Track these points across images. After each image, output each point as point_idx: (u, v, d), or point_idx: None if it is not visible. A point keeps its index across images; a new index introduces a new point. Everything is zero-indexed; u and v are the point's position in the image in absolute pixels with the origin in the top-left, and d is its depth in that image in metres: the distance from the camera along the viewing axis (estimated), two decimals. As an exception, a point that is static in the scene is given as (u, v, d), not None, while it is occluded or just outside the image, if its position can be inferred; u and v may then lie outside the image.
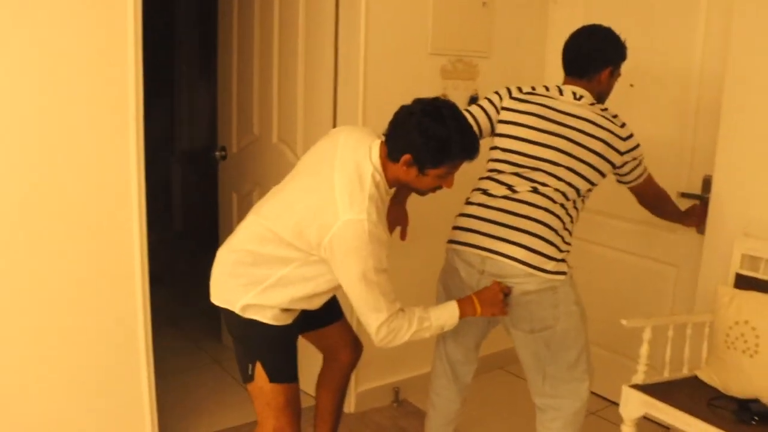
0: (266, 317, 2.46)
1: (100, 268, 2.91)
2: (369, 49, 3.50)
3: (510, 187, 2.73)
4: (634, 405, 2.86)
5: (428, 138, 2.29)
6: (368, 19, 3.46)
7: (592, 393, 2.92)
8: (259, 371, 2.51)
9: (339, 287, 2.46)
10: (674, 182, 3.44)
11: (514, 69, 4.07)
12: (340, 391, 2.98)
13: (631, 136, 2.76)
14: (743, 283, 2.99)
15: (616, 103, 2.96)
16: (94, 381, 2.97)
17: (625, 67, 2.93)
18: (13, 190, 2.67)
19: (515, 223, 2.67)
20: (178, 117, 7.43)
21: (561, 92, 2.80)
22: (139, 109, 2.86)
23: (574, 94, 2.78)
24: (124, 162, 2.88)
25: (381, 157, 2.39)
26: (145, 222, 2.97)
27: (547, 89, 2.83)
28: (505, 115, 2.81)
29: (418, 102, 2.37)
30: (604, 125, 2.71)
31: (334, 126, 3.55)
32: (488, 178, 2.82)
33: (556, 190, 2.69)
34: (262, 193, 2.65)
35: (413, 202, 2.90)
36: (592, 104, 2.77)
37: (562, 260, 2.69)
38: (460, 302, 2.60)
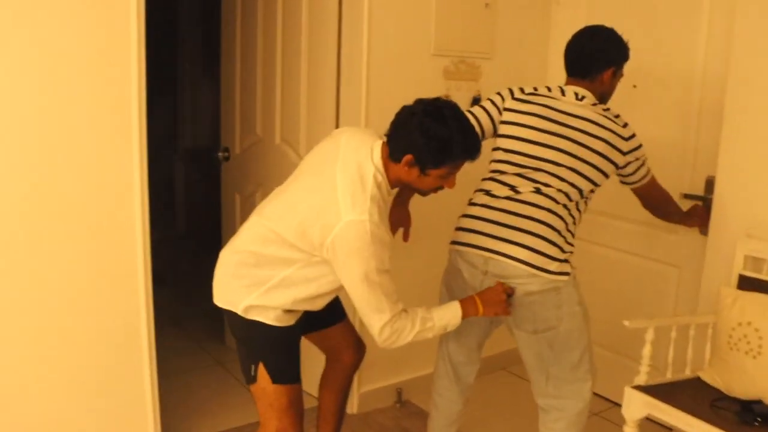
0: (269, 318, 2.46)
1: (103, 267, 2.91)
2: (372, 50, 3.50)
3: (513, 188, 2.73)
4: (636, 406, 2.86)
5: (430, 138, 2.29)
6: (371, 20, 3.47)
7: (595, 394, 2.92)
8: (262, 372, 2.51)
9: (341, 288, 2.46)
10: (677, 183, 3.44)
11: (516, 70, 4.07)
12: (343, 392, 2.98)
13: (633, 136, 2.76)
14: (746, 284, 2.99)
15: (619, 104, 2.96)
16: (96, 381, 2.98)
17: (628, 68, 2.93)
18: (15, 189, 2.67)
19: (518, 223, 2.67)
20: (181, 116, 7.43)
21: (563, 93, 2.80)
22: (141, 108, 2.86)
23: (576, 94, 2.78)
24: (127, 161, 2.88)
25: (383, 157, 2.39)
26: (148, 221, 2.97)
27: (549, 90, 2.83)
28: (508, 116, 2.82)
29: (420, 102, 2.37)
30: (606, 125, 2.71)
31: (337, 127, 3.55)
32: (491, 178, 2.82)
33: (559, 190, 2.69)
34: (265, 194, 2.65)
35: (416, 203, 2.90)
36: (594, 104, 2.77)
37: (566, 261, 2.69)
38: (463, 302, 2.60)
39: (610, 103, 2.87)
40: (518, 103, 2.82)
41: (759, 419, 2.61)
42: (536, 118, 2.76)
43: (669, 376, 3.00)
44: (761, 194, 3.05)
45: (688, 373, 3.02)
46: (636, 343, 3.07)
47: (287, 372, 2.56)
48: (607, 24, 2.86)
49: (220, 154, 4.43)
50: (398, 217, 2.88)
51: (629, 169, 2.80)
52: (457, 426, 3.14)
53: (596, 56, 2.81)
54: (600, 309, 3.36)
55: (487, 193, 2.78)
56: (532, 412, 3.01)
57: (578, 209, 2.76)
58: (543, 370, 2.82)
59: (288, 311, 2.48)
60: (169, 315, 4.77)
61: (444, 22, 3.73)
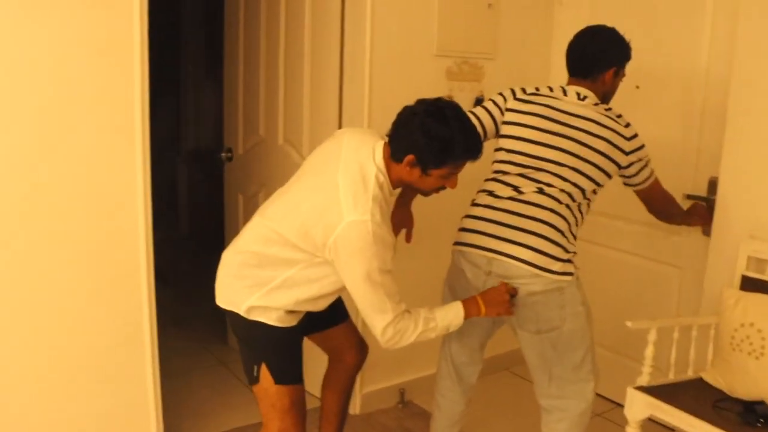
0: (271, 319, 2.46)
1: (106, 267, 2.91)
2: (374, 51, 3.50)
3: (516, 188, 2.73)
4: (639, 407, 2.86)
5: (431, 138, 2.29)
6: (374, 21, 3.47)
7: (597, 394, 2.92)
8: (264, 373, 2.51)
9: (344, 289, 2.46)
10: (680, 184, 3.44)
11: (519, 70, 4.07)
12: (346, 392, 2.99)
13: (635, 136, 2.75)
14: (749, 285, 2.99)
15: (622, 104, 2.95)
16: (99, 381, 2.98)
17: (630, 69, 2.92)
18: (17, 190, 2.68)
19: (521, 224, 2.67)
20: (184, 116, 7.43)
21: (565, 93, 2.80)
22: (144, 109, 2.87)
23: (578, 94, 2.78)
24: (130, 162, 2.89)
25: (385, 157, 2.39)
26: (151, 222, 2.97)
27: (551, 90, 2.83)
28: (510, 117, 2.82)
29: (421, 102, 2.37)
30: (607, 125, 2.71)
31: (340, 127, 3.55)
32: (493, 179, 2.82)
33: (562, 190, 2.69)
34: (268, 195, 2.65)
35: (418, 203, 2.91)
36: (596, 104, 2.77)
37: (569, 261, 2.69)
38: (465, 303, 2.60)
39: (612, 104, 2.87)
40: (520, 103, 2.82)
41: (761, 420, 2.60)
42: (538, 118, 2.76)
43: (671, 377, 3.00)
44: (764, 195, 3.05)
45: (690, 374, 3.01)
46: (638, 344, 3.07)
47: (289, 372, 2.56)
48: (610, 24, 2.86)
49: (223, 154, 4.43)
50: (401, 218, 2.88)
51: (632, 170, 2.80)
52: (459, 426, 3.14)
53: (598, 56, 2.81)
54: (602, 310, 3.35)
55: (490, 193, 2.78)
56: (534, 412, 3.01)
57: (581, 210, 2.76)
58: (546, 370, 2.82)
59: (290, 312, 2.48)
60: (171, 315, 4.77)
61: (447, 23, 3.73)
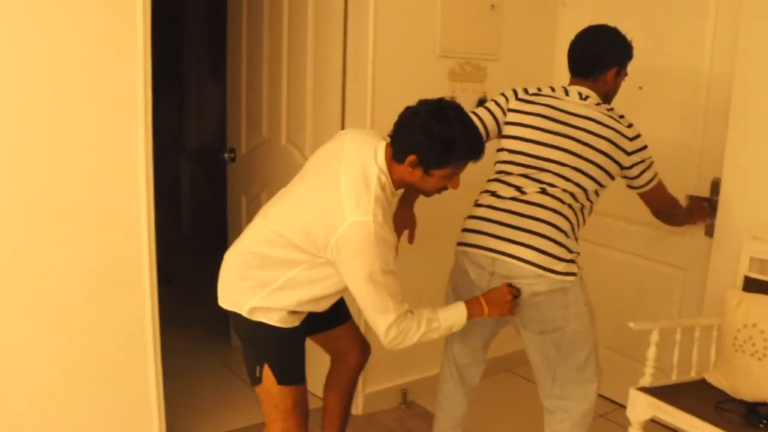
0: (274, 320, 2.46)
1: (108, 267, 2.92)
2: (377, 52, 3.50)
3: (518, 189, 2.73)
4: (641, 408, 2.86)
5: (433, 139, 2.29)
6: (377, 22, 3.47)
7: (600, 395, 2.91)
8: (267, 373, 2.51)
9: (346, 289, 2.46)
10: (683, 185, 3.43)
11: (522, 71, 4.06)
12: (348, 393, 2.99)
13: (638, 136, 2.75)
14: (751, 286, 2.98)
15: (625, 105, 2.95)
16: (101, 381, 2.98)
17: (633, 70, 2.92)
18: (19, 188, 2.68)
19: (524, 224, 2.67)
20: (187, 115, 7.43)
21: (567, 93, 2.80)
22: (147, 107, 2.87)
23: (580, 94, 2.78)
24: (132, 160, 2.89)
25: (386, 158, 2.40)
26: (153, 221, 2.97)
27: (553, 90, 2.83)
28: (512, 117, 2.82)
29: (423, 103, 2.37)
30: (609, 124, 2.71)
31: (343, 128, 3.56)
32: (496, 179, 2.82)
33: (564, 190, 2.69)
34: (271, 195, 2.65)
35: (421, 204, 2.90)
36: (598, 104, 2.77)
37: (572, 261, 2.69)
38: (468, 303, 2.60)
39: (615, 104, 2.86)
40: (522, 103, 2.82)
41: (765, 421, 2.60)
42: (540, 119, 2.76)
43: (674, 378, 2.99)
44: (767, 196, 3.05)
45: (693, 375, 3.01)
46: (641, 345, 3.07)
47: (292, 373, 2.56)
48: (613, 25, 2.86)
49: (226, 154, 4.44)
50: (403, 219, 2.88)
51: (635, 171, 2.79)
52: (462, 428, 3.14)
53: (600, 56, 2.81)
54: (605, 310, 3.35)
55: (493, 194, 2.78)
56: (537, 413, 3.01)
57: (584, 210, 2.76)
58: (549, 371, 2.82)
59: (293, 312, 2.49)
60: (174, 315, 4.76)
61: (449, 24, 3.73)
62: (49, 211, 2.75)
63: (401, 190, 2.65)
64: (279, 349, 2.53)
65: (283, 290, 2.44)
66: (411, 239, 2.94)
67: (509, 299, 2.61)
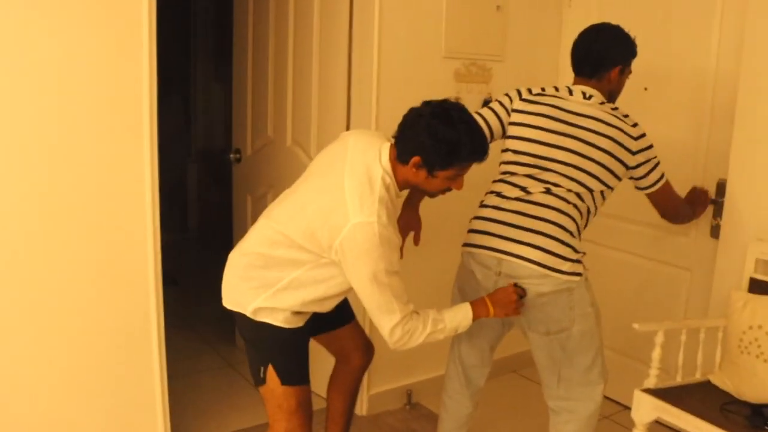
0: (278, 320, 2.47)
1: (113, 268, 2.92)
2: (382, 53, 3.51)
3: (523, 189, 2.73)
4: (646, 409, 2.86)
5: (437, 140, 2.29)
6: (382, 23, 3.47)
7: (605, 397, 2.91)
8: (271, 374, 2.51)
9: (350, 290, 2.47)
10: (688, 186, 3.40)
11: (528, 72, 4.06)
12: (352, 393, 2.99)
13: (643, 135, 2.74)
14: (757, 287, 2.98)
15: (630, 106, 2.95)
16: (106, 381, 2.99)
17: (639, 70, 2.92)
18: (26, 189, 2.69)
19: (529, 224, 2.67)
20: (194, 116, 7.44)
21: (571, 92, 2.80)
22: (153, 108, 2.87)
23: (584, 93, 2.78)
24: (138, 161, 2.89)
25: (391, 159, 2.40)
26: (159, 222, 2.98)
27: (557, 90, 2.83)
28: (516, 117, 2.82)
29: (428, 104, 2.37)
30: (613, 123, 2.71)
31: (348, 129, 3.56)
32: (501, 180, 2.82)
33: (569, 190, 2.69)
34: (276, 196, 2.66)
35: (426, 205, 2.91)
36: (602, 103, 2.77)
37: (578, 261, 2.68)
38: (474, 304, 2.60)
39: (620, 106, 2.85)
40: (526, 104, 2.82)
41: (769, 423, 2.60)
42: (544, 119, 2.76)
43: (679, 380, 2.99)
44: (773, 197, 3.05)
45: (698, 377, 3.01)
46: (646, 346, 3.06)
47: (296, 373, 2.56)
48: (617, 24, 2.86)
49: (231, 155, 4.45)
50: (408, 221, 2.88)
51: (641, 171, 2.78)
52: (466, 429, 3.13)
53: (603, 54, 2.80)
54: (610, 312, 3.35)
55: (498, 194, 2.78)
56: (542, 414, 3.01)
57: (589, 211, 2.75)
58: (555, 371, 2.82)
59: (297, 313, 2.49)
60: (179, 316, 4.78)
61: (455, 25, 3.73)
62: (55, 213, 2.76)
63: (406, 191, 2.65)
64: (283, 349, 2.54)
65: (287, 291, 2.44)
66: (416, 241, 2.94)
67: (514, 299, 2.61)
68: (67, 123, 2.72)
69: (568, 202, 2.68)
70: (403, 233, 2.81)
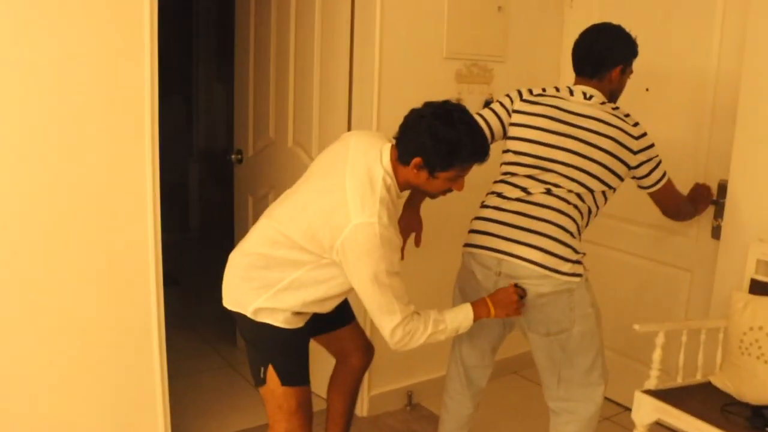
0: (278, 320, 2.47)
1: (114, 268, 2.92)
2: (384, 54, 3.51)
3: (524, 190, 2.73)
4: (646, 410, 2.86)
5: (438, 141, 2.29)
6: (383, 24, 3.47)
7: (605, 398, 2.91)
8: (271, 374, 2.52)
9: (351, 290, 2.47)
10: (689, 186, 3.41)
11: (529, 73, 4.06)
12: (352, 394, 2.99)
13: (644, 134, 2.74)
14: (758, 288, 2.97)
15: (631, 107, 2.94)
16: (107, 381, 2.99)
17: (640, 71, 2.92)
18: (27, 189, 2.69)
19: (530, 225, 2.67)
20: (195, 116, 7.44)
21: (571, 93, 2.80)
22: (154, 108, 2.87)
23: (585, 94, 2.78)
24: (139, 161, 2.89)
25: (392, 160, 2.40)
26: (160, 222, 2.98)
27: (558, 90, 2.83)
28: (517, 118, 2.82)
29: (429, 105, 2.37)
30: (614, 123, 2.70)
31: (349, 130, 3.56)
32: (502, 181, 2.82)
33: (570, 191, 2.69)
34: (278, 197, 2.66)
35: (426, 206, 2.90)
36: (603, 103, 2.77)
37: (578, 262, 2.68)
38: (474, 304, 2.60)
39: (621, 106, 2.85)
40: (527, 104, 2.82)
41: (770, 425, 2.60)
42: (545, 119, 2.76)
43: (679, 381, 2.98)
44: (774, 199, 3.05)
45: (698, 378, 3.00)
46: (647, 347, 3.06)
47: (296, 374, 2.56)
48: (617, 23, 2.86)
49: (233, 156, 4.45)
50: (409, 222, 2.88)
51: (643, 170, 2.78)
52: (467, 430, 3.13)
53: (604, 54, 2.80)
54: (611, 312, 3.35)
55: (499, 195, 2.78)
56: (542, 415, 3.01)
57: (590, 212, 2.75)
58: (555, 372, 2.82)
59: (297, 313, 2.49)
60: (180, 316, 4.78)
61: (456, 25, 3.73)
62: (56, 212, 2.76)
63: (407, 192, 2.65)
64: (283, 350, 2.54)
65: (287, 291, 2.45)
66: (417, 242, 2.94)
67: (515, 299, 2.61)
68: (67, 123, 2.72)
69: (569, 202, 2.68)
70: (404, 234, 2.81)
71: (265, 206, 2.96)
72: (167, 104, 3.09)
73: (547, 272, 2.63)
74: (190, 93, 7.40)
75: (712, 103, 3.45)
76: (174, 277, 3.29)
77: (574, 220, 2.68)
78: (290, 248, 2.42)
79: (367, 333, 3.06)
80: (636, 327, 2.88)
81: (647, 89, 3.63)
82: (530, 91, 2.86)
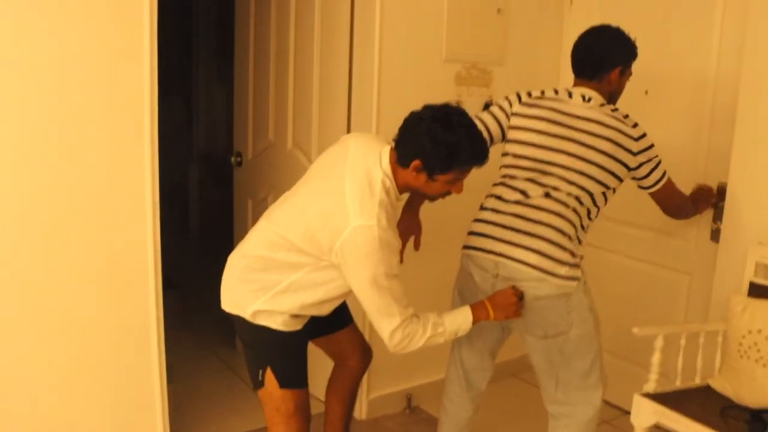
0: (276, 323, 2.47)
1: (113, 270, 2.92)
2: (383, 56, 3.50)
3: (523, 192, 2.73)
4: (645, 414, 2.85)
5: (437, 144, 2.29)
6: (383, 26, 3.47)
7: (604, 401, 2.90)
8: (269, 377, 2.52)
9: (349, 293, 2.47)
10: (689, 189, 3.40)
11: (529, 75, 4.06)
12: (350, 397, 2.99)
13: (643, 135, 2.73)
14: (757, 291, 2.97)
15: (631, 109, 2.93)
16: (105, 383, 2.99)
17: (639, 73, 2.91)
18: (26, 190, 2.69)
19: (527, 228, 2.67)
20: (195, 119, 7.44)
21: (570, 95, 2.80)
22: (153, 110, 2.87)
23: (584, 96, 2.78)
24: (138, 163, 2.89)
25: (391, 162, 2.40)
26: (159, 224, 2.98)
27: (557, 92, 2.83)
28: (516, 121, 2.81)
29: (428, 108, 2.38)
30: (612, 125, 2.70)
31: (349, 132, 3.56)
32: (501, 183, 2.82)
33: (569, 194, 2.68)
34: (277, 199, 2.66)
35: (426, 209, 2.90)
36: (602, 105, 2.76)
37: (576, 265, 2.68)
38: (474, 307, 2.60)
39: (620, 108, 2.85)
40: (525, 107, 2.82)
41: (769, 428, 2.60)
42: (543, 122, 2.75)
43: (678, 384, 2.99)
44: (773, 201, 3.04)
45: (697, 381, 3.00)
46: (645, 351, 3.06)
47: (294, 377, 2.56)
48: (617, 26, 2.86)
49: (232, 158, 4.45)
50: (408, 225, 2.88)
51: (643, 171, 2.78)
52: (466, 432, 3.13)
53: (603, 56, 2.80)
54: (610, 316, 3.34)
55: (498, 198, 2.78)
56: (541, 419, 3.00)
57: (590, 214, 2.75)
58: (552, 375, 2.82)
59: (295, 316, 2.49)
60: (179, 319, 4.77)
61: (456, 28, 3.72)
62: (55, 213, 2.76)
63: (406, 195, 2.65)
64: (281, 352, 2.54)
65: (286, 293, 2.45)
66: (417, 245, 2.94)
67: (514, 301, 2.61)
68: (67, 123, 2.72)
69: (568, 205, 2.68)
70: (404, 237, 2.81)
71: (265, 208, 2.95)
72: (167, 104, 3.08)
73: (543, 275, 2.63)
74: (190, 93, 7.41)
75: (712, 105, 3.45)
76: (173, 280, 3.28)
77: (572, 223, 2.68)
78: (289, 250, 2.42)
79: (366, 335, 3.06)
80: (635, 330, 2.88)
81: (646, 92, 3.63)
82: (529, 94, 2.85)
